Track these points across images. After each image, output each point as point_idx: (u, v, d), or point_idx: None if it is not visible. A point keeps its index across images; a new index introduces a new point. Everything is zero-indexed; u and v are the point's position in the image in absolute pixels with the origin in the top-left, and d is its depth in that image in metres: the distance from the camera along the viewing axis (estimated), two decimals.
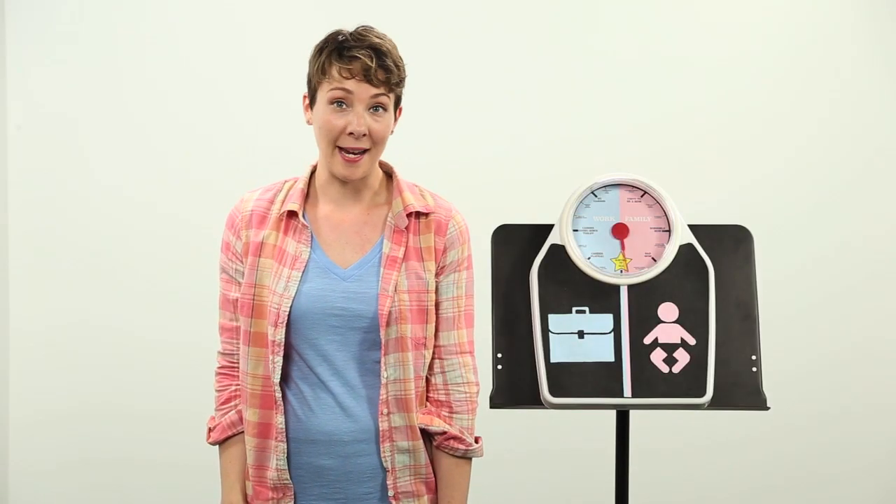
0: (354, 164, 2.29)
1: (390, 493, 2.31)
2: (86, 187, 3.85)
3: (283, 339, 2.28)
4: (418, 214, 2.36)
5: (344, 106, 2.27)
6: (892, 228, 3.92)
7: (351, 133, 2.27)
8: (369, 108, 2.28)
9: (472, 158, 3.84)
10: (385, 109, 2.29)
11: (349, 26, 2.34)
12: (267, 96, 3.85)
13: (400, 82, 2.31)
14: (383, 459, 2.30)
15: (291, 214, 2.34)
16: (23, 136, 3.86)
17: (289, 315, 2.28)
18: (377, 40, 2.29)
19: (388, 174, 2.42)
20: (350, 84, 2.26)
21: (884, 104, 3.91)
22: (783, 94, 3.91)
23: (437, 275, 2.36)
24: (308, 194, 2.38)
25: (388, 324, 2.27)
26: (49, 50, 3.87)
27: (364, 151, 2.29)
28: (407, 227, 2.34)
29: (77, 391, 3.85)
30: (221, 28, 3.89)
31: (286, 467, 2.31)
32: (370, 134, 2.28)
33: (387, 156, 2.40)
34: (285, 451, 2.30)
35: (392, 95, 2.30)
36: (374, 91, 2.27)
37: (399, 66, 2.31)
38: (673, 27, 3.93)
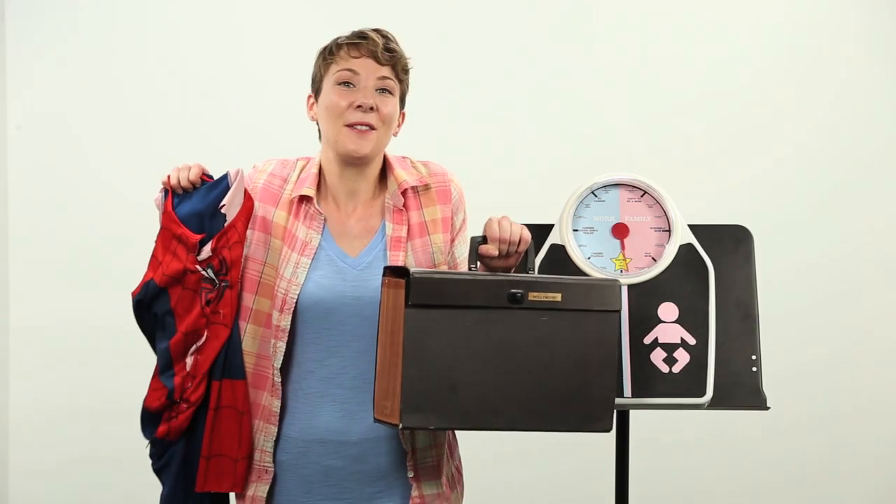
0: (364, 136, 2.28)
1: (410, 473, 2.29)
2: (86, 187, 3.85)
3: (289, 326, 2.27)
4: (415, 188, 2.36)
5: (351, 86, 2.28)
6: (893, 228, 3.91)
7: (359, 106, 2.27)
8: (376, 90, 2.28)
9: (471, 158, 3.83)
10: (392, 94, 2.30)
11: (351, 28, 2.34)
12: (268, 96, 3.85)
13: (405, 72, 2.33)
14: (403, 442, 2.28)
15: (304, 199, 2.33)
16: (23, 136, 3.86)
17: (296, 303, 2.27)
18: (384, 31, 2.32)
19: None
20: (358, 63, 2.27)
21: (884, 103, 3.91)
22: (783, 93, 3.91)
23: (450, 242, 2.37)
24: (319, 182, 2.37)
25: None
26: (49, 50, 3.87)
27: (372, 129, 2.28)
28: (406, 205, 2.34)
29: (77, 391, 3.85)
30: (221, 28, 3.89)
31: (272, 450, 2.29)
32: (377, 110, 2.28)
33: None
34: (275, 434, 2.28)
35: (397, 85, 2.31)
36: (382, 71, 2.28)
37: (405, 59, 2.32)
38: (674, 25, 3.92)
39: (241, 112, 3.86)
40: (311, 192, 2.32)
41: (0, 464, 3.86)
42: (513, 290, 2.16)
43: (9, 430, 3.87)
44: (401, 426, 2.10)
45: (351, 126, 2.28)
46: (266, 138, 3.81)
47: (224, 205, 2.25)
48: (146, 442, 2.30)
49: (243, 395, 2.26)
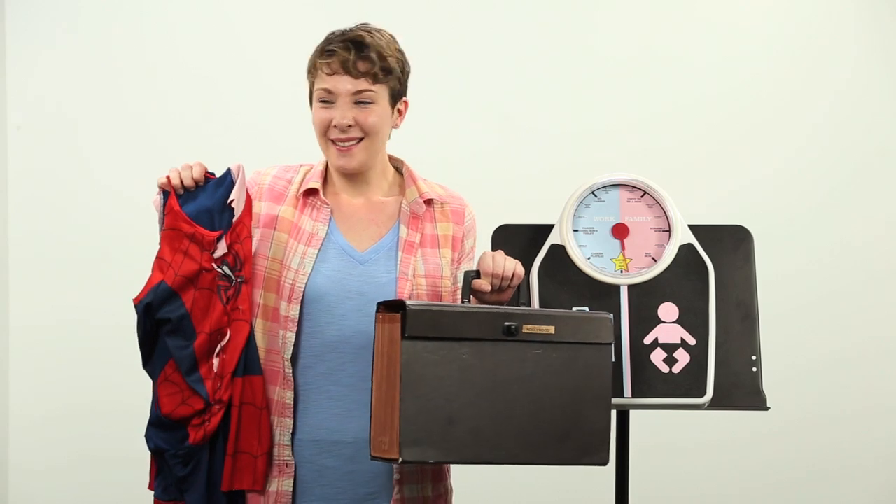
0: (347, 153, 2.30)
1: (396, 476, 2.30)
2: (86, 187, 3.85)
3: (298, 316, 2.28)
4: (432, 203, 2.38)
5: (330, 102, 2.29)
6: (892, 228, 3.92)
7: (336, 126, 2.28)
8: (355, 102, 2.28)
9: (471, 158, 3.84)
10: (373, 102, 2.29)
11: (349, 25, 2.34)
12: (270, 95, 3.85)
13: (388, 74, 2.29)
14: None
15: (310, 192, 2.34)
16: (23, 136, 3.86)
17: (303, 293, 2.28)
18: (361, 34, 2.30)
19: (399, 171, 2.43)
20: (331, 81, 2.28)
21: (884, 104, 3.91)
22: (784, 93, 3.91)
23: (456, 262, 2.38)
24: (325, 179, 2.38)
25: None
26: (49, 49, 3.87)
27: (358, 140, 2.29)
28: (422, 215, 2.36)
29: (77, 390, 3.85)
30: (222, 27, 3.89)
31: (290, 443, 2.29)
32: (358, 124, 2.28)
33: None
34: (291, 427, 2.28)
35: (381, 88, 2.29)
36: (355, 84, 2.27)
37: (385, 57, 2.29)
38: (674, 25, 3.92)
39: (242, 112, 3.86)
40: (317, 184, 2.34)
41: (0, 462, 3.86)
42: (507, 323, 2.17)
43: (9, 430, 3.87)
44: (400, 460, 2.11)
45: (335, 142, 2.30)
46: (267, 138, 3.82)
47: (233, 199, 2.26)
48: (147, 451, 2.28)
49: (261, 391, 2.27)
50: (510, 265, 2.27)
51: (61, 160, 3.87)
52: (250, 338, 2.26)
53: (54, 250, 3.86)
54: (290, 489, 2.28)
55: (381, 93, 2.29)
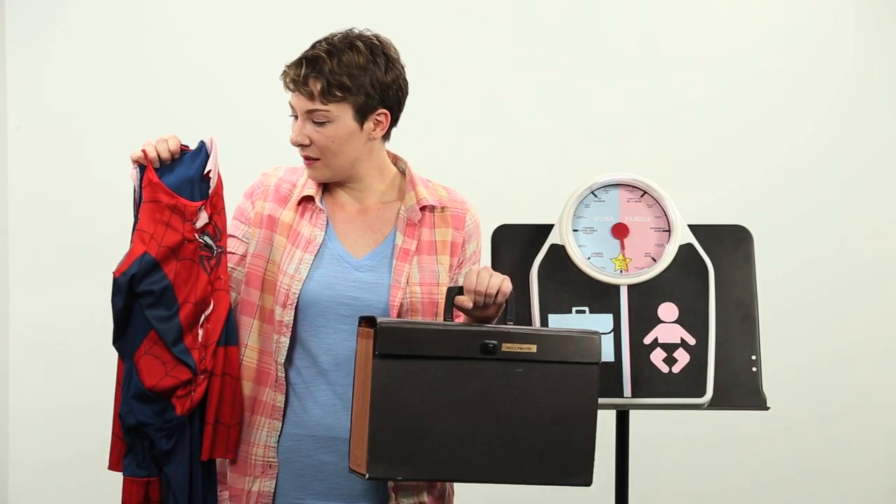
0: (311, 166, 2.33)
1: (390, 483, 2.30)
2: (86, 187, 3.85)
3: (292, 321, 2.28)
4: (432, 208, 2.37)
5: (295, 117, 2.32)
6: (892, 227, 3.92)
7: (292, 142, 2.31)
8: (311, 120, 2.29)
9: (471, 158, 3.84)
10: (328, 121, 2.28)
11: (348, 25, 2.34)
12: (271, 96, 3.83)
13: (345, 91, 2.26)
14: None
15: (308, 199, 2.35)
16: (23, 136, 3.87)
17: (297, 298, 2.28)
18: (318, 51, 2.28)
19: (402, 171, 2.42)
20: (292, 98, 2.30)
21: (884, 103, 3.91)
22: (783, 92, 3.92)
23: (457, 267, 2.37)
24: (325, 183, 2.39)
25: (398, 316, 2.28)
26: (49, 49, 3.87)
27: (316, 158, 2.31)
28: (420, 221, 2.35)
29: (77, 389, 3.85)
30: (223, 27, 3.89)
31: (276, 445, 2.30)
32: (313, 144, 2.29)
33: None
34: (279, 429, 2.30)
35: (338, 106, 2.27)
36: (308, 104, 2.27)
37: (341, 75, 2.26)
38: (673, 24, 3.93)
39: (244, 112, 3.86)
40: (311, 191, 2.34)
41: (0, 462, 3.86)
42: (486, 341, 2.14)
43: (9, 429, 3.87)
44: (367, 476, 2.11)
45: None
46: (267, 138, 3.81)
47: (210, 170, 2.26)
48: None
49: (238, 361, 2.28)
50: (495, 282, 2.20)
51: (61, 160, 3.87)
52: (230, 308, 2.27)
53: (54, 250, 3.87)
54: (272, 490, 2.29)
55: (337, 111, 2.27)
